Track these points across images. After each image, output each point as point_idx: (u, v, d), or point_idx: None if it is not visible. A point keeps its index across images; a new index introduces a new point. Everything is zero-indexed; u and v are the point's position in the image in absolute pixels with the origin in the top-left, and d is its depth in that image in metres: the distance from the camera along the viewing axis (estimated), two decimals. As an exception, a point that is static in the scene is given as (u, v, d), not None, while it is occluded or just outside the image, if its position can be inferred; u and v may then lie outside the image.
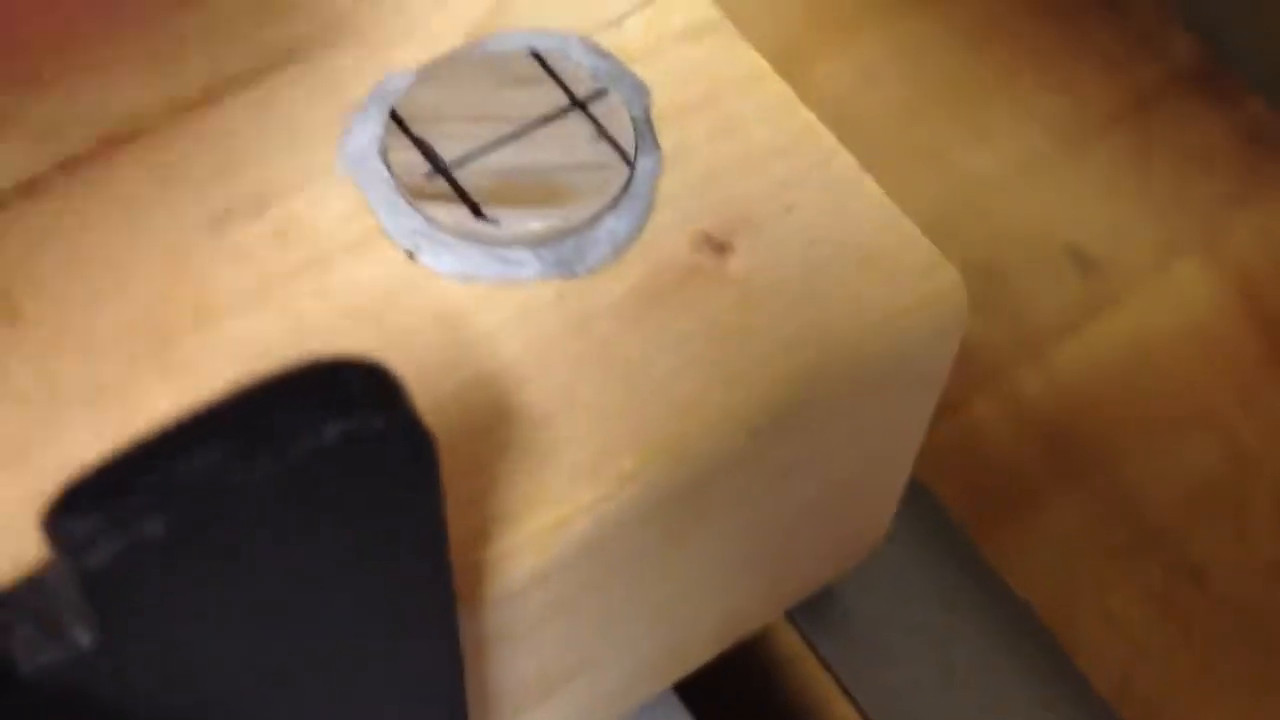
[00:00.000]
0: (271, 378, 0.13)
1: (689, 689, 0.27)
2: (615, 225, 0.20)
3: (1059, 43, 0.51)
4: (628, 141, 0.21)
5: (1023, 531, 0.42)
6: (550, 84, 0.21)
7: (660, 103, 0.22)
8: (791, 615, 0.27)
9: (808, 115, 0.22)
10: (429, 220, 0.20)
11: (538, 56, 0.22)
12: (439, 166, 0.20)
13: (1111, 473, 0.43)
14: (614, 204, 0.20)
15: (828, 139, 0.22)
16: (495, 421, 0.19)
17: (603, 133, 0.21)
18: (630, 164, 0.21)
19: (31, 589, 0.13)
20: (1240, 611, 0.40)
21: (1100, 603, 0.41)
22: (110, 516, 0.12)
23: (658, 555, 0.21)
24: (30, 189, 0.20)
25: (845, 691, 0.28)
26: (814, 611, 0.27)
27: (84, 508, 0.12)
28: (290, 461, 0.12)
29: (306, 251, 0.20)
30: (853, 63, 0.51)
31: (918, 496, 0.28)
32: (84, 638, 0.13)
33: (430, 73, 0.21)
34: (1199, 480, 0.43)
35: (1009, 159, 0.49)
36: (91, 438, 0.19)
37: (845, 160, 0.22)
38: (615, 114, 0.21)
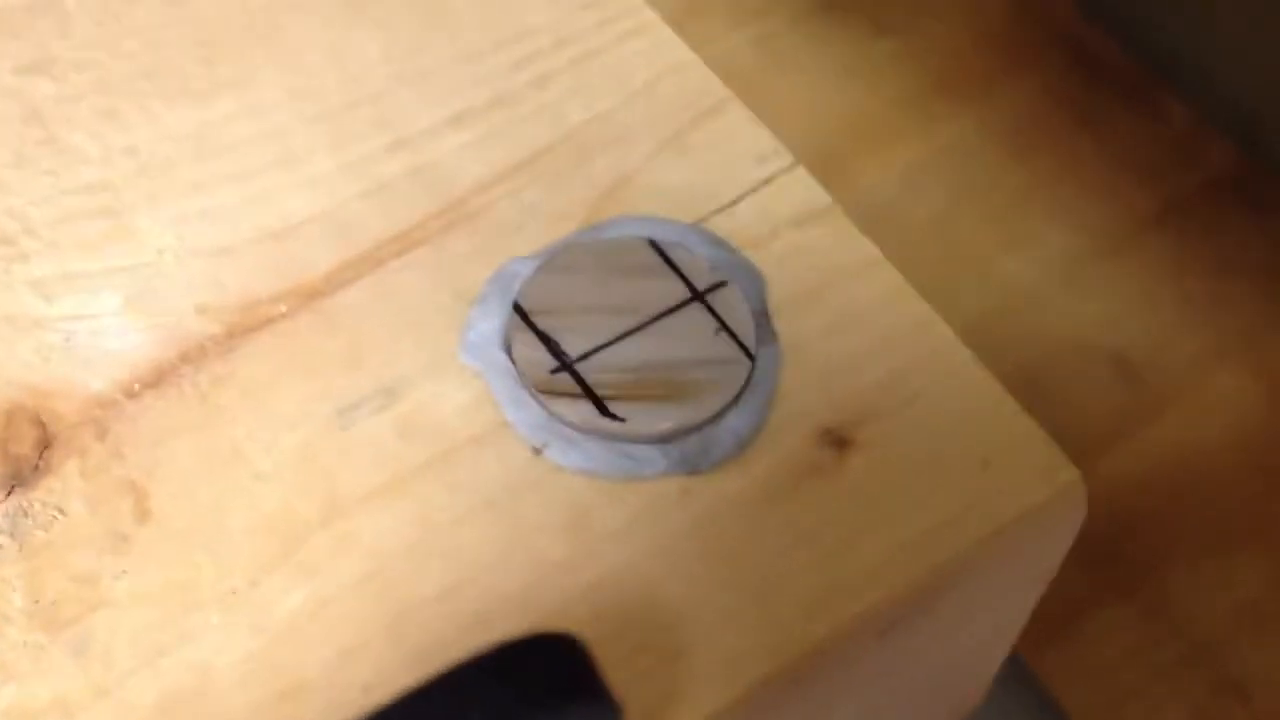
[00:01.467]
0: (475, 664, 0.13)
1: None
2: (738, 422, 0.21)
3: (1097, 149, 0.51)
4: (748, 335, 0.21)
5: (1069, 646, 0.42)
6: (670, 275, 0.21)
7: (776, 292, 0.22)
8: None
9: (921, 305, 0.22)
10: (555, 416, 0.20)
11: (656, 246, 0.22)
12: (565, 362, 0.21)
13: (1157, 588, 0.43)
14: (737, 400, 0.21)
15: (942, 329, 0.22)
16: (625, 623, 0.19)
17: (723, 326, 0.21)
18: (752, 358, 0.21)
19: None
20: (1286, 729, 0.40)
21: (1149, 719, 0.40)
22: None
23: (775, 747, 0.21)
24: (157, 380, 0.21)
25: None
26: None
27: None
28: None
29: (433, 445, 0.20)
30: (893, 168, 0.52)
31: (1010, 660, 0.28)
32: None
33: (550, 262, 0.22)
34: (1245, 596, 0.43)
35: (1048, 265, 0.49)
36: (222, 639, 0.19)
37: (961, 353, 0.22)
38: (734, 306, 0.21)
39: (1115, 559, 0.44)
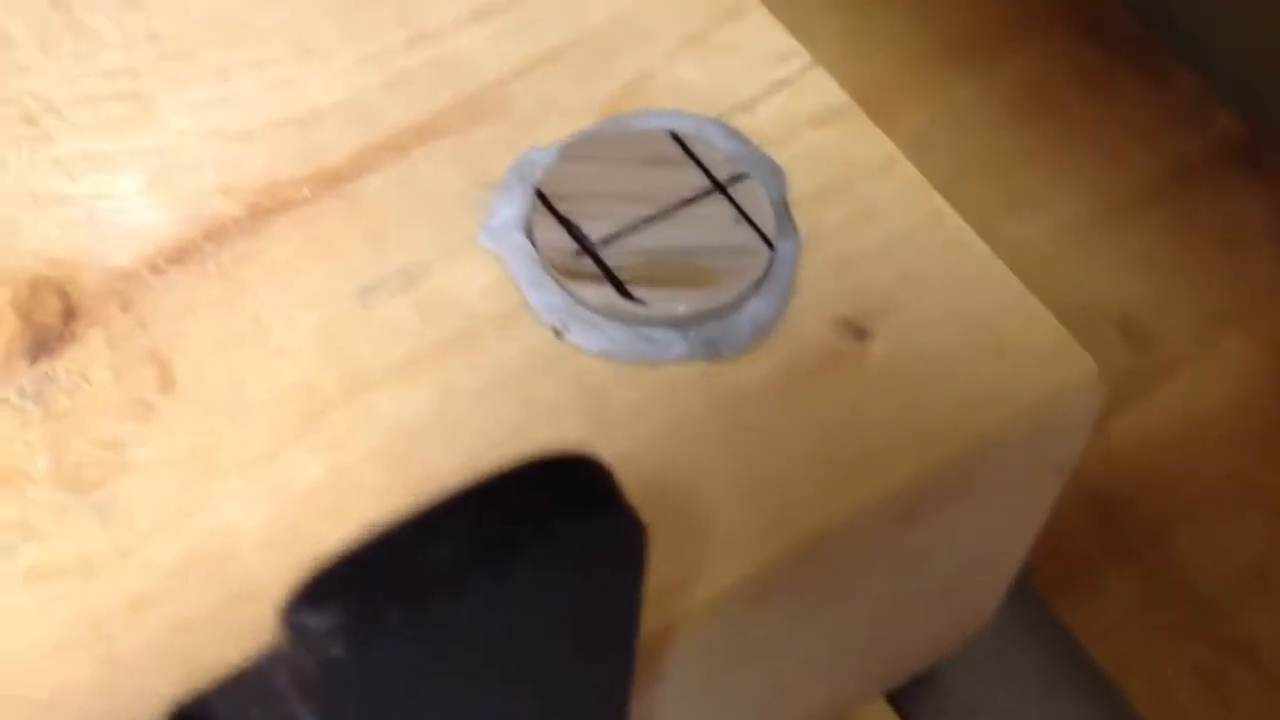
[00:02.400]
0: (496, 477, 0.13)
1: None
2: (758, 309, 0.21)
3: (1101, 114, 0.51)
4: (768, 226, 0.21)
5: (1074, 606, 0.42)
6: (691, 166, 0.22)
7: (796, 187, 0.22)
8: (891, 696, 0.27)
9: (938, 200, 0.22)
10: (576, 299, 0.20)
11: (677, 138, 0.22)
12: (586, 246, 0.21)
13: (1163, 548, 0.43)
14: (757, 287, 0.21)
15: (957, 221, 0.22)
16: (641, 499, 0.19)
17: (744, 216, 0.21)
18: (771, 248, 0.21)
19: (259, 674, 0.13)
20: (1291, 689, 0.40)
21: (1151, 678, 0.41)
22: (351, 613, 0.12)
23: (787, 636, 0.21)
24: (181, 256, 0.21)
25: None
26: (913, 693, 0.27)
27: (324, 602, 0.12)
28: (523, 561, 0.12)
29: (453, 326, 0.20)
30: (899, 131, 0.52)
31: (1019, 582, 0.28)
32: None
33: (572, 150, 0.22)
34: (1249, 557, 0.43)
35: (1054, 229, 0.49)
36: (244, 505, 0.19)
37: (976, 244, 0.22)
38: (755, 198, 0.21)
39: (1120, 520, 0.44)
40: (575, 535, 0.13)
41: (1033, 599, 0.28)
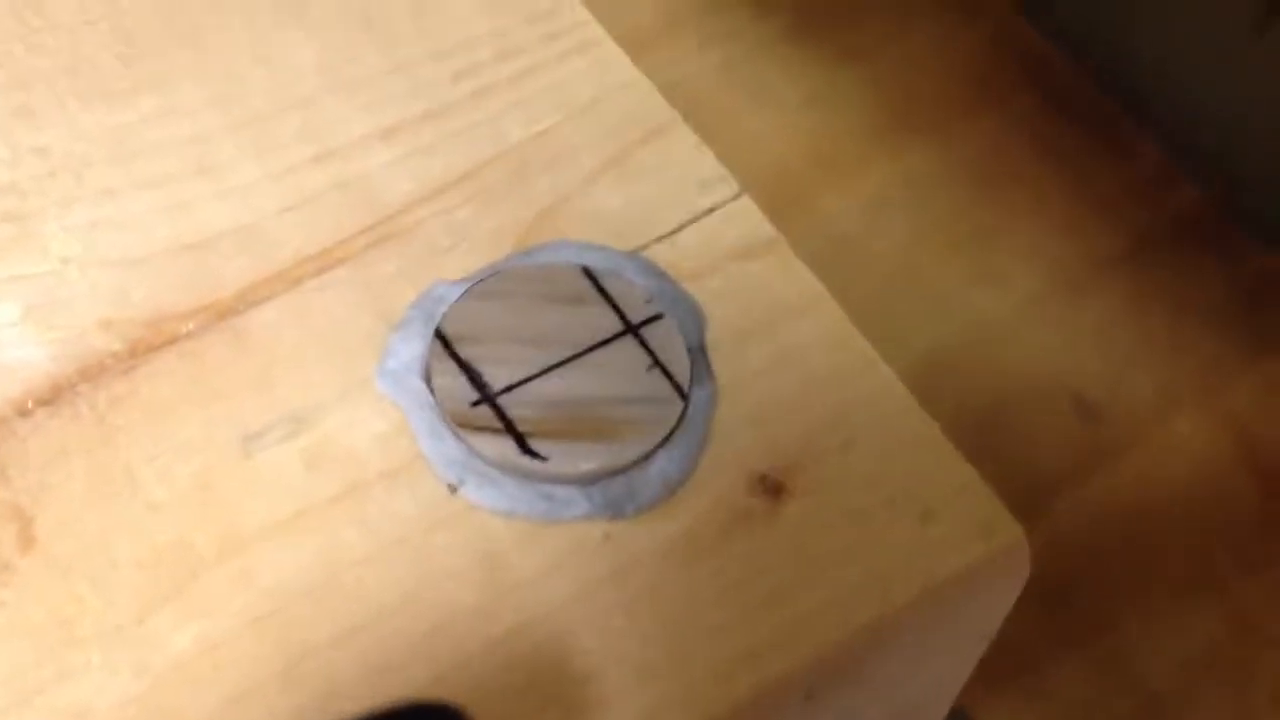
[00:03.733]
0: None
1: None
2: (668, 464, 0.20)
3: (1063, 186, 0.51)
4: (682, 372, 0.20)
5: (1022, 698, 0.41)
6: (603, 305, 0.20)
7: (715, 328, 0.21)
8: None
9: (863, 345, 0.21)
10: (473, 452, 0.19)
11: (590, 274, 0.21)
12: (486, 394, 0.19)
13: (1113, 635, 0.42)
14: (667, 441, 0.20)
15: (884, 371, 0.21)
16: (536, 676, 0.18)
17: (656, 362, 0.20)
18: (685, 397, 0.20)
19: None
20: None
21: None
22: None
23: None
24: (53, 397, 0.19)
25: None
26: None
27: None
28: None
29: (342, 479, 0.19)
30: (856, 198, 0.51)
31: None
32: None
33: (478, 288, 0.20)
34: (1202, 644, 0.42)
35: (1010, 301, 0.49)
36: (102, 680, 0.18)
37: (904, 396, 0.21)
38: (670, 341, 0.20)
39: (1068, 606, 0.43)
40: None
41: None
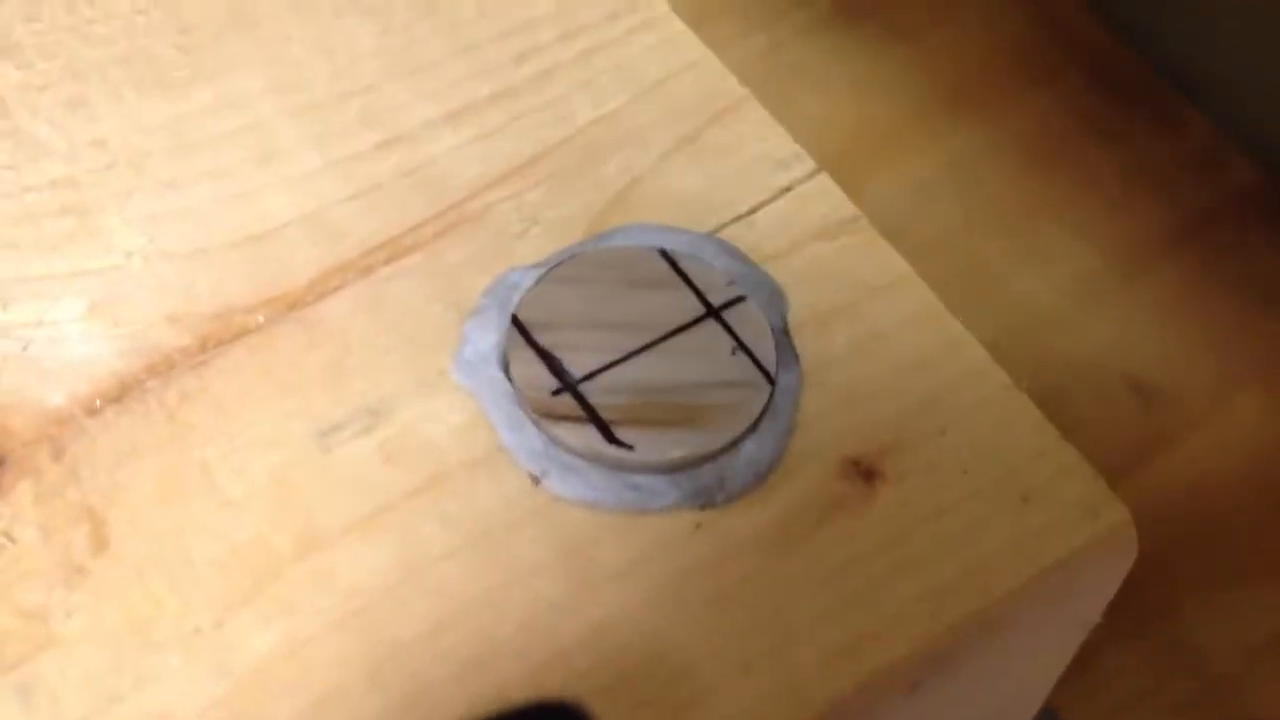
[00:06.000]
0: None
1: None
2: (756, 451, 0.19)
3: (1115, 165, 0.50)
4: (767, 355, 0.19)
5: (1084, 682, 0.40)
6: (683, 289, 0.20)
7: (798, 310, 0.20)
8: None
9: (954, 324, 0.20)
10: (556, 442, 0.19)
11: (667, 256, 0.20)
12: (567, 382, 0.19)
13: (1172, 622, 0.41)
14: (755, 427, 0.19)
15: (976, 350, 0.20)
16: (629, 673, 0.18)
17: (740, 345, 0.19)
18: (771, 381, 0.19)
19: None
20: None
21: (1166, 757, 0.39)
22: None
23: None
24: (122, 394, 0.19)
25: None
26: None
27: None
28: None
29: (421, 473, 0.19)
30: (905, 181, 0.50)
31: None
32: None
33: (553, 273, 0.20)
34: (1265, 629, 0.41)
35: (1063, 283, 0.48)
36: (183, 685, 0.17)
37: (997, 376, 0.20)
38: (753, 323, 0.19)
39: (1128, 592, 0.42)
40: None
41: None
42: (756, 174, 0.21)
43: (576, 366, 0.19)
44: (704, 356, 0.19)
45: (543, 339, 0.19)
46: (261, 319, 0.20)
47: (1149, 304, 0.47)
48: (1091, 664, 0.40)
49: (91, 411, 0.19)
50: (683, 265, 0.20)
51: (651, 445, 0.18)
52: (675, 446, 0.18)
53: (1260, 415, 0.45)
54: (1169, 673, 0.40)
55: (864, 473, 0.19)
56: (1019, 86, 0.51)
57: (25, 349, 0.19)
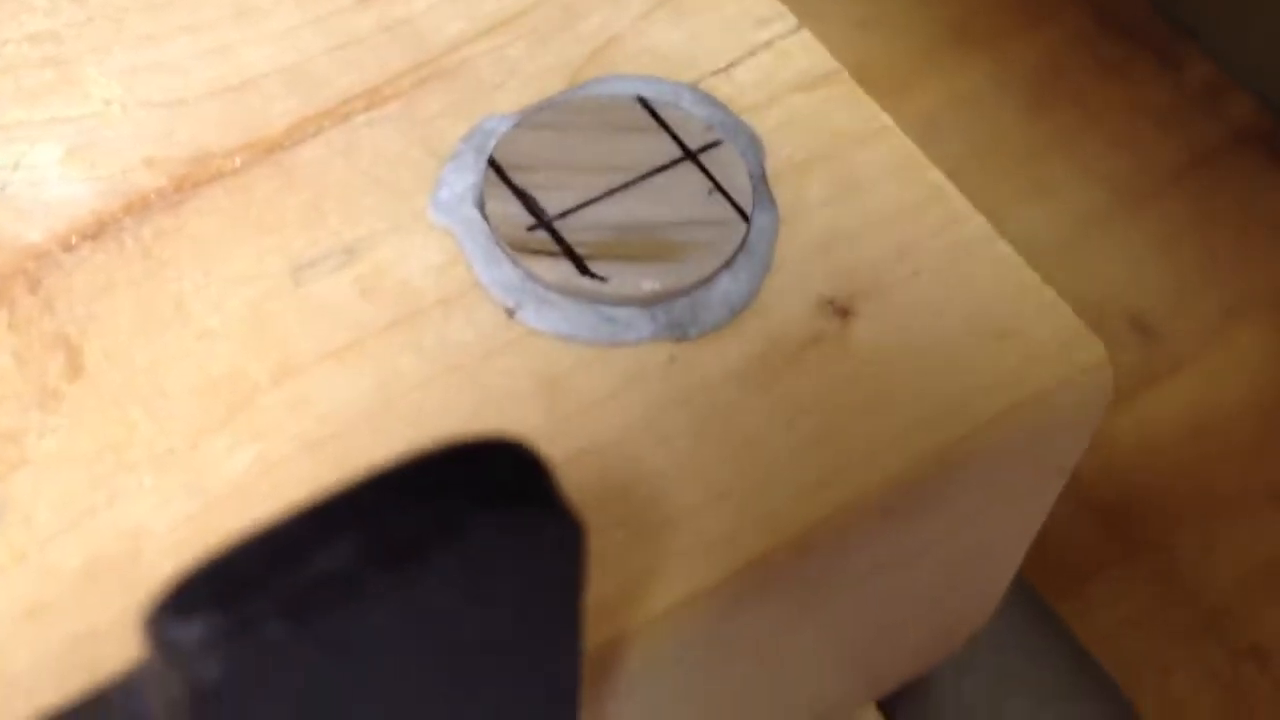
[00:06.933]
0: (408, 461, 0.11)
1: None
2: (731, 286, 0.19)
3: (1116, 101, 0.50)
4: (744, 197, 0.19)
5: (1081, 611, 0.40)
6: (660, 133, 0.20)
7: (776, 157, 0.20)
8: (882, 704, 0.25)
9: (935, 174, 0.20)
10: (531, 275, 0.19)
11: (645, 104, 0.20)
12: (542, 219, 0.19)
13: (1171, 552, 0.41)
14: (730, 263, 0.19)
15: (957, 200, 0.20)
16: (604, 497, 0.18)
17: (717, 187, 0.19)
18: (747, 220, 0.19)
19: (126, 693, 0.11)
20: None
21: (1162, 684, 0.39)
22: (224, 624, 0.10)
23: (769, 641, 0.19)
24: (98, 231, 0.19)
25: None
26: (905, 700, 0.25)
27: (193, 611, 0.10)
28: (429, 564, 0.11)
29: (397, 306, 0.19)
30: (907, 118, 0.50)
31: (1017, 581, 0.26)
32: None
33: (530, 118, 0.20)
34: (1261, 559, 0.41)
35: (1066, 218, 0.48)
36: (157, 503, 0.17)
37: (977, 223, 0.20)
38: (730, 167, 0.20)
39: (1126, 520, 0.42)
40: (495, 534, 0.11)
41: (1032, 599, 0.26)
42: (737, 30, 0.21)
43: (553, 204, 0.19)
44: (680, 197, 0.19)
45: (519, 179, 0.19)
46: (238, 162, 0.20)
47: (1150, 239, 0.47)
48: (1088, 590, 0.40)
49: (68, 247, 0.19)
50: (660, 112, 0.20)
51: (625, 278, 0.18)
52: (649, 279, 0.18)
53: (1260, 346, 0.45)
54: (1165, 601, 0.40)
55: (838, 310, 0.19)
56: (1021, 24, 0.51)
57: (2, 190, 0.19)
